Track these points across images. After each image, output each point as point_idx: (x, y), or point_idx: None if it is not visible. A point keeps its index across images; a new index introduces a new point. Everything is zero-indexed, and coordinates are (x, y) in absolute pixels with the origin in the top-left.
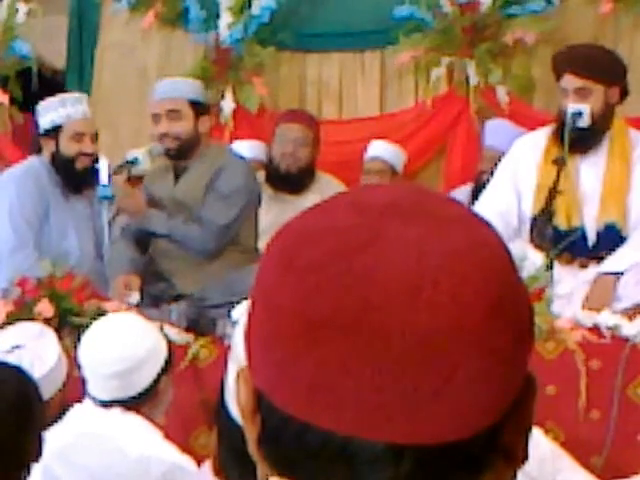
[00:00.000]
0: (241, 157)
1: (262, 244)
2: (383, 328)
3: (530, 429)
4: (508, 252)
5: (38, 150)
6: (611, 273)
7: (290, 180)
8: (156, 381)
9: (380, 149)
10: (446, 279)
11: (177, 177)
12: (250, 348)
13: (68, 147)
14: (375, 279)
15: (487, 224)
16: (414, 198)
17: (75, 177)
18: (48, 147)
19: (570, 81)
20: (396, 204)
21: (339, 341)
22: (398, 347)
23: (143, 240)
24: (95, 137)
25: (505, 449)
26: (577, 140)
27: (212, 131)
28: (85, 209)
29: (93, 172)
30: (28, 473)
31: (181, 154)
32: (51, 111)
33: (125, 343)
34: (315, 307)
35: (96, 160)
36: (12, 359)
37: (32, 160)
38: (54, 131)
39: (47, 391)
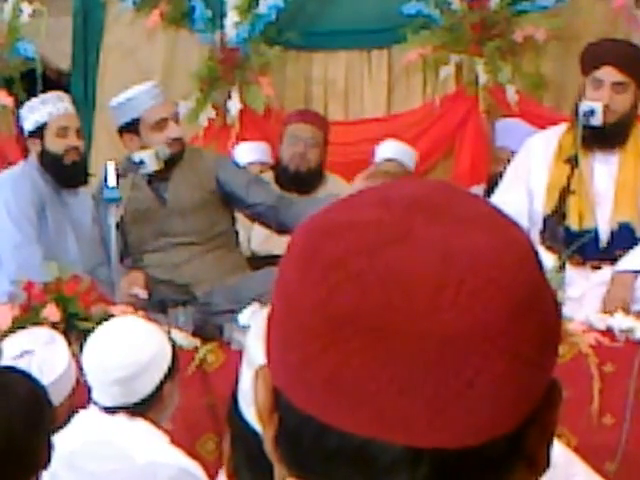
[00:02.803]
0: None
1: (269, 245)
2: (405, 328)
3: (553, 436)
4: (536, 253)
5: (25, 155)
6: (629, 271)
7: (299, 181)
8: (160, 387)
9: (394, 150)
10: (471, 279)
11: (151, 183)
12: (270, 346)
13: (54, 143)
14: (398, 278)
15: (515, 224)
16: (442, 196)
17: (65, 172)
18: (35, 147)
19: (610, 73)
20: (423, 201)
21: (359, 340)
22: (420, 348)
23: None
24: (79, 131)
25: (527, 456)
26: (597, 138)
27: (219, 132)
28: (83, 210)
29: (82, 168)
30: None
31: (180, 158)
32: (34, 112)
33: (127, 350)
34: (336, 305)
35: (83, 155)
36: (21, 365)
37: (21, 165)
38: (39, 130)
39: (56, 397)
